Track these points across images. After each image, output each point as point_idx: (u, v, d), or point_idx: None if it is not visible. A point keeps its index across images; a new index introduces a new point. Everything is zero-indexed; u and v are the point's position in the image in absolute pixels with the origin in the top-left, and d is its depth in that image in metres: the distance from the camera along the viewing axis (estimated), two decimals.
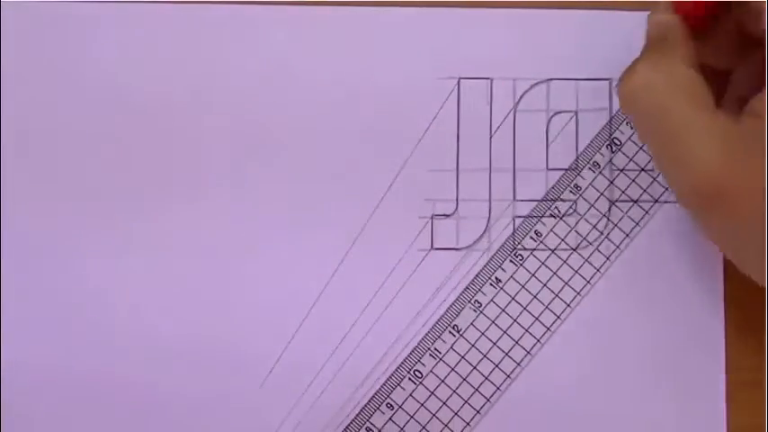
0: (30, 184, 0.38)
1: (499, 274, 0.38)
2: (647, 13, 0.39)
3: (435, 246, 0.38)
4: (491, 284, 0.38)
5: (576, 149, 0.39)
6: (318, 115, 0.39)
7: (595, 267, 0.38)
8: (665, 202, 0.38)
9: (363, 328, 0.38)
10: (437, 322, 0.38)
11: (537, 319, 0.38)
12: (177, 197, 0.38)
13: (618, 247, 0.38)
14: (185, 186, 0.39)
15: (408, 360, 0.38)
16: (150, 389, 0.38)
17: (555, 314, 0.38)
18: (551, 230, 0.38)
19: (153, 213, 0.38)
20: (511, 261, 0.38)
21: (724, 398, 0.38)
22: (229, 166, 0.39)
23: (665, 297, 0.38)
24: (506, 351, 0.38)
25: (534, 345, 0.38)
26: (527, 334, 0.38)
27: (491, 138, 0.39)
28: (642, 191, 0.38)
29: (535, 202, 0.39)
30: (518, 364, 0.38)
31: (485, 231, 0.39)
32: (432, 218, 0.39)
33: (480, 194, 0.39)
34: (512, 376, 0.38)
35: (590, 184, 0.38)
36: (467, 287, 0.38)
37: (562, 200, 0.38)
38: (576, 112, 0.39)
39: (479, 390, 0.38)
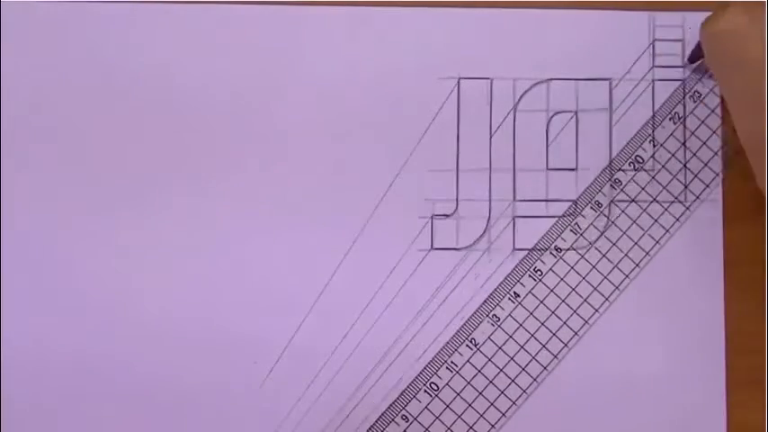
0: (30, 178, 0.38)
1: (518, 288, 0.38)
2: (648, 13, 0.39)
3: (435, 246, 0.38)
4: (509, 299, 0.38)
5: (576, 149, 0.39)
6: (318, 115, 0.39)
7: (614, 284, 0.38)
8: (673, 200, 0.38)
9: (363, 327, 0.38)
10: (454, 335, 0.38)
11: (554, 334, 0.38)
12: (179, 199, 0.38)
13: (637, 265, 0.38)
14: (188, 187, 0.38)
15: (424, 372, 0.38)
16: (149, 390, 0.38)
17: (573, 330, 0.38)
18: (571, 246, 0.38)
19: (152, 211, 0.38)
20: (530, 276, 0.38)
21: (724, 398, 0.38)
22: (230, 167, 0.39)
23: (666, 298, 0.38)
24: (523, 366, 0.38)
25: (551, 361, 0.38)
26: (544, 350, 0.38)
27: (491, 138, 0.39)
28: (675, 219, 0.38)
29: (534, 202, 0.39)
30: (534, 380, 0.38)
31: (485, 231, 0.39)
32: (432, 218, 0.39)
33: (480, 194, 0.39)
34: (528, 391, 0.38)
35: (611, 200, 0.38)
36: (485, 301, 0.38)
37: (583, 216, 0.38)
38: (576, 112, 0.39)
39: (495, 404, 0.38)
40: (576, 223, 0.38)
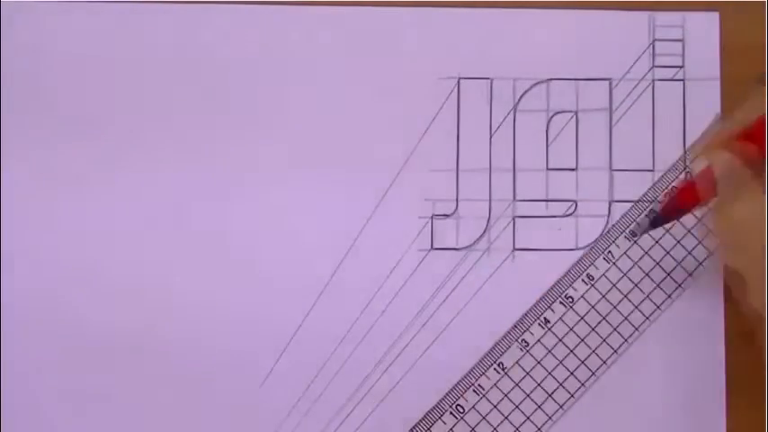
0: (30, 176, 0.38)
1: (548, 314, 0.38)
2: (648, 13, 0.39)
3: (435, 246, 0.38)
4: (539, 324, 0.38)
5: (576, 149, 0.39)
6: (318, 115, 0.39)
7: (645, 315, 0.38)
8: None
9: (363, 327, 0.38)
10: (482, 358, 0.38)
11: (583, 362, 0.38)
12: (173, 207, 0.39)
13: (670, 296, 0.38)
14: (184, 190, 0.39)
15: (451, 394, 0.37)
16: (149, 391, 0.38)
17: (601, 359, 0.38)
18: (603, 275, 0.38)
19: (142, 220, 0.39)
20: (561, 302, 0.38)
21: (724, 398, 0.38)
22: (228, 168, 0.39)
23: (666, 300, 0.38)
24: (550, 393, 0.37)
25: (578, 388, 0.37)
26: (572, 377, 0.38)
27: (491, 138, 0.39)
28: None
29: (534, 202, 0.39)
30: (560, 407, 0.37)
31: (485, 231, 0.39)
32: (432, 218, 0.39)
33: (480, 194, 0.39)
34: (553, 418, 0.37)
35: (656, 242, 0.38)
36: (515, 325, 0.38)
37: (617, 245, 0.38)
38: (576, 112, 0.39)
39: (520, 429, 0.37)
40: (610, 251, 0.38)
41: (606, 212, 0.39)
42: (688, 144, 0.39)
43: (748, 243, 0.34)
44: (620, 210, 0.39)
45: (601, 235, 0.38)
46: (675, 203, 0.36)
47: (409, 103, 0.39)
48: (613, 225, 0.38)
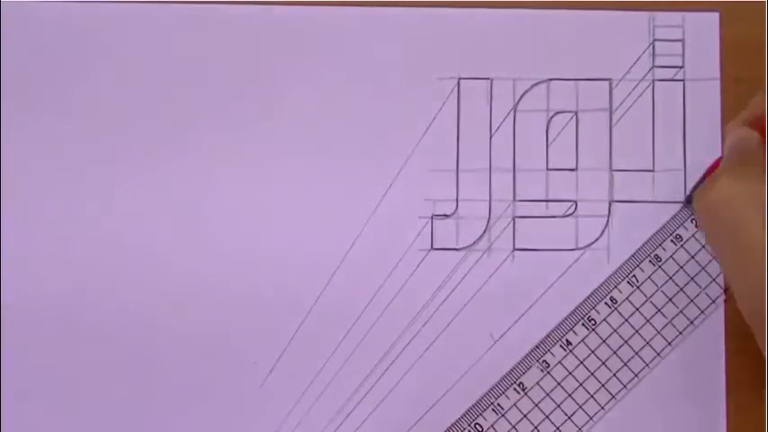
0: (31, 179, 0.38)
1: (570, 336, 0.38)
2: (648, 13, 0.39)
3: (435, 246, 0.38)
4: (561, 346, 0.38)
5: (576, 149, 0.39)
6: (318, 115, 0.39)
7: (667, 340, 0.38)
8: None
9: (363, 327, 0.38)
10: (502, 378, 0.37)
11: (603, 386, 0.37)
12: (173, 201, 0.39)
13: (691, 322, 0.38)
14: (185, 190, 0.39)
15: (470, 413, 0.37)
16: (150, 391, 0.38)
17: (622, 383, 0.37)
18: (627, 299, 0.38)
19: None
20: (583, 325, 0.38)
21: (724, 398, 0.38)
22: (228, 167, 0.39)
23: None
24: (569, 414, 0.37)
25: (597, 412, 0.37)
26: (591, 400, 0.37)
27: (491, 138, 0.39)
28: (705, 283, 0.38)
29: (534, 202, 0.39)
30: (579, 429, 0.37)
31: (485, 231, 0.39)
32: (432, 218, 0.39)
33: (480, 194, 0.39)
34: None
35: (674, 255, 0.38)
36: (536, 346, 0.38)
37: (641, 269, 0.38)
38: (576, 112, 0.39)
39: None
40: (634, 275, 0.38)
41: (606, 212, 0.39)
42: (688, 144, 0.39)
43: (718, 226, 0.32)
44: (620, 210, 0.39)
45: (626, 260, 0.38)
46: (707, 173, 0.36)
47: (409, 103, 0.39)
48: (638, 249, 0.38)
